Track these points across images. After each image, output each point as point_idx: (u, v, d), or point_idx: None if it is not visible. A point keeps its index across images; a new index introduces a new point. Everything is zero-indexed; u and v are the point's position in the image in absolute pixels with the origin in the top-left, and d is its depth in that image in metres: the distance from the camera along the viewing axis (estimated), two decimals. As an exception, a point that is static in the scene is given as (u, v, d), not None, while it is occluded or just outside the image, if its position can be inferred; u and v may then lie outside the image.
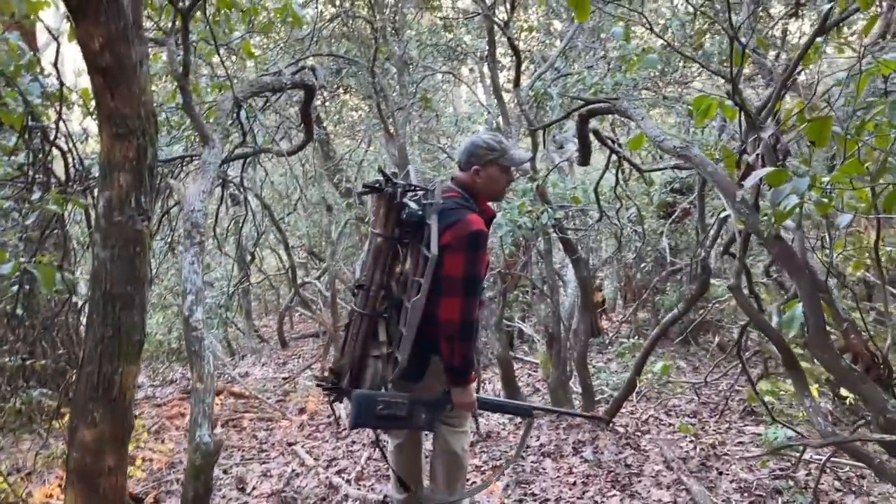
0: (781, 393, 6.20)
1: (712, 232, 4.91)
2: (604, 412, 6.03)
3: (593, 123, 5.13)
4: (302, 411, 7.63)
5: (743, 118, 2.25)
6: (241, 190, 6.12)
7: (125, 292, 2.18)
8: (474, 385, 3.12)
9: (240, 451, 6.24)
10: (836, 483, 4.53)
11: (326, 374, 3.17)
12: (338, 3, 6.96)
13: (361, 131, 11.28)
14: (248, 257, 10.45)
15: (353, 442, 6.30)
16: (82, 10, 2.08)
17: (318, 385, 3.26)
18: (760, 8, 7.01)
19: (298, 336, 13.64)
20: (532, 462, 5.37)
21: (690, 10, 6.33)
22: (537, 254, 6.50)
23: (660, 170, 5.41)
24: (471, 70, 10.39)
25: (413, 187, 3.01)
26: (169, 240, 7.29)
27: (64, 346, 6.08)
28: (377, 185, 2.90)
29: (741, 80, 5.51)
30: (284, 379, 9.72)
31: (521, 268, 7.37)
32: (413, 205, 2.90)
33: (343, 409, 7.21)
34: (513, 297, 10.34)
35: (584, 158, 4.07)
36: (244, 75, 6.70)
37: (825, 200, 1.91)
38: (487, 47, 5.40)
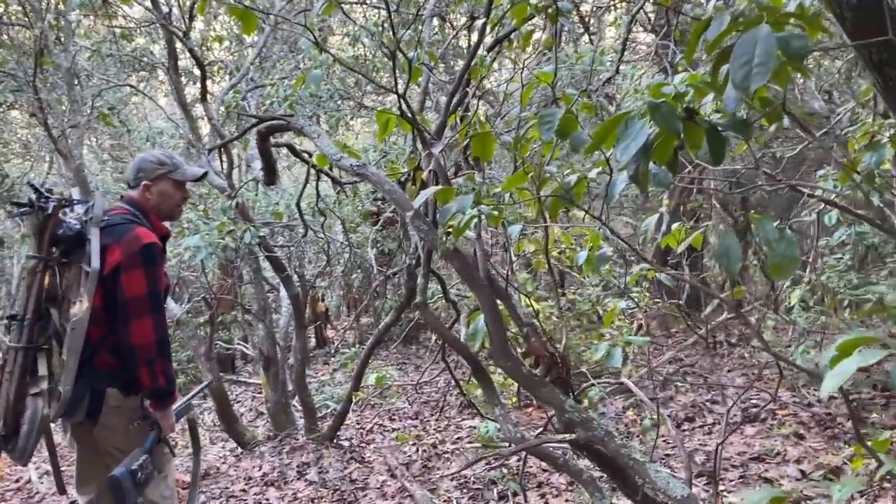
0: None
1: (414, 239, 5.01)
2: (326, 430, 5.91)
3: (289, 137, 4.98)
4: (-21, 481, 6.51)
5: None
6: None
7: None
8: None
9: None
10: (543, 465, 4.85)
11: None
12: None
13: (38, 152, 10.03)
14: None
15: (46, 509, 5.51)
16: None
17: None
18: (443, 22, 7.37)
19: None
20: (255, 495, 5.09)
21: (380, 20, 6.42)
22: (249, 272, 6.19)
23: (356, 182, 5.42)
24: (161, 82, 9.68)
25: (70, 202, 2.74)
26: None
27: None
28: (27, 203, 2.56)
29: (432, 91, 5.65)
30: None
31: (230, 290, 6.99)
32: (72, 220, 2.66)
33: (34, 470, 6.29)
34: (231, 318, 9.88)
35: (269, 177, 3.89)
36: None
37: (495, 213, 1.96)
38: (168, 56, 4.99)
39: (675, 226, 2.43)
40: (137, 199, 2.95)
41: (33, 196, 2.56)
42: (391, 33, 2.43)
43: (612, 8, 9.91)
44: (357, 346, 10.04)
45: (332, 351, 11.32)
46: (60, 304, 2.68)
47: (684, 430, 5.49)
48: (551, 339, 2.24)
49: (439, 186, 1.83)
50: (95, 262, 2.57)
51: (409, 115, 2.14)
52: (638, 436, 5.20)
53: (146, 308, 2.66)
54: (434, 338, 11.12)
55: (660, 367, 6.79)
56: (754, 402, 5.82)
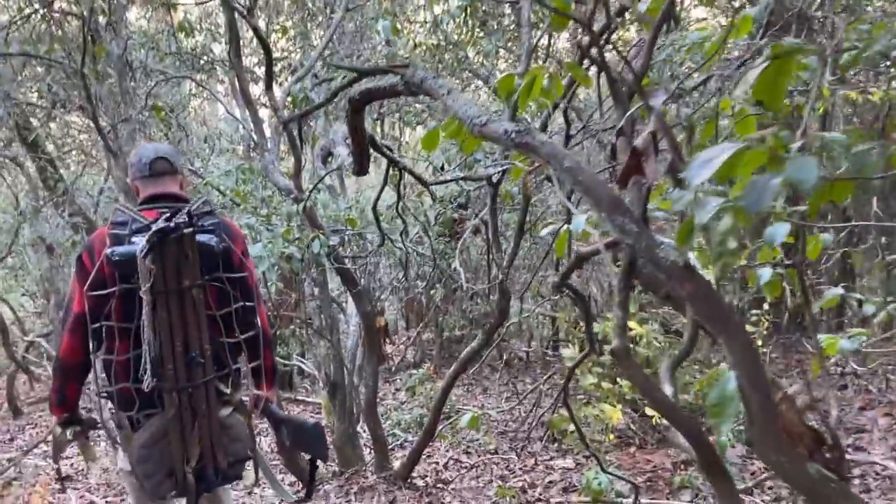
0: (584, 417, 5.74)
1: (509, 251, 4.23)
2: (399, 467, 5.17)
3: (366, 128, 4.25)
4: (23, 508, 5.95)
5: (607, 83, 1.48)
6: None
7: None
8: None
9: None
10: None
11: (187, 478, 2.50)
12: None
13: (92, 155, 9.61)
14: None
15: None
16: None
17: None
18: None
19: (36, 400, 11.38)
20: (320, 545, 4.37)
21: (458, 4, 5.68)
22: (311, 285, 5.51)
23: (447, 181, 4.67)
24: (221, 81, 9.14)
25: (198, 215, 2.48)
26: None
27: None
28: (174, 227, 2.30)
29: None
30: (9, 461, 7.80)
31: (293, 305, 6.33)
32: (204, 236, 2.47)
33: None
34: (289, 332, 9.25)
35: (361, 165, 3.13)
36: None
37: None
38: (228, 41, 4.32)
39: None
40: (180, 193, 2.72)
41: (174, 219, 2.32)
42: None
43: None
44: (422, 365, 9.30)
45: (392, 367, 10.63)
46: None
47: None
48: (813, 407, 1.45)
49: (733, 145, 1.05)
50: (255, 271, 2.65)
51: (599, 55, 1.37)
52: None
53: (259, 293, 2.72)
54: (505, 359, 10.29)
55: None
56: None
